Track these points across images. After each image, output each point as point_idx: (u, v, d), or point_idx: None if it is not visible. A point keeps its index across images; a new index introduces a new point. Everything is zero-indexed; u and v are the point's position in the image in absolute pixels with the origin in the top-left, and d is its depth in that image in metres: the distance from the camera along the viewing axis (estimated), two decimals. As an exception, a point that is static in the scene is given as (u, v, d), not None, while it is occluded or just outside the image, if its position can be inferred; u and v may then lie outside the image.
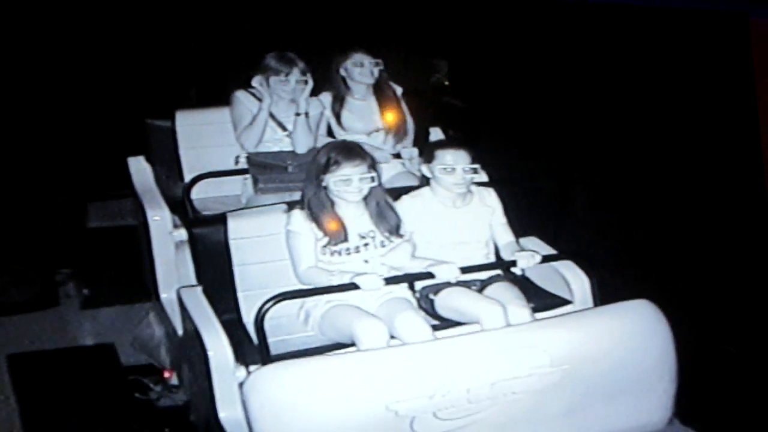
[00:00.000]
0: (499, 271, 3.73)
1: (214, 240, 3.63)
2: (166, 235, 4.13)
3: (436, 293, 3.57)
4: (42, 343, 4.45)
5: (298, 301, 3.51)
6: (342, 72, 4.45)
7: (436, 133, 4.83)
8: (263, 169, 4.15)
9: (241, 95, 4.28)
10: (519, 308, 3.43)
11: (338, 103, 4.46)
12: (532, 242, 3.98)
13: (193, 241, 3.68)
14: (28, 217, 5.06)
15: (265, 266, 3.65)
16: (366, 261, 3.51)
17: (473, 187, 3.76)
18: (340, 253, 3.49)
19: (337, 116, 4.46)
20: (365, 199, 3.54)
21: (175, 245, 4.05)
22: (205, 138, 4.44)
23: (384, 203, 3.58)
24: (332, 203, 3.52)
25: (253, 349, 3.32)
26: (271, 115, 4.25)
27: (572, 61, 5.71)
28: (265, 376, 3.04)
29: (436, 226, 3.67)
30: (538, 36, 5.81)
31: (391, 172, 4.38)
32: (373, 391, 3.01)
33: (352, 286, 3.31)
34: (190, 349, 3.51)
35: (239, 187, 4.32)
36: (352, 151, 3.51)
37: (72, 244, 5.03)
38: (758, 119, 4.82)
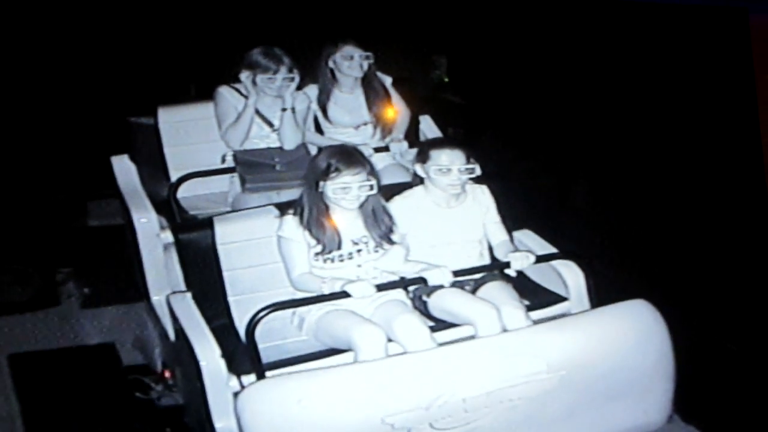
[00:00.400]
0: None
1: (201, 245, 3.53)
2: (153, 237, 4.03)
3: (429, 295, 3.50)
4: (42, 342, 4.41)
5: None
6: (330, 64, 4.34)
7: (425, 121, 4.77)
8: (250, 167, 4.05)
9: (224, 91, 4.17)
10: (513, 309, 3.38)
11: (324, 95, 4.36)
12: (526, 236, 3.91)
13: (180, 247, 3.57)
14: (28, 217, 5.04)
15: (255, 270, 3.56)
16: (359, 266, 3.43)
17: (466, 185, 3.66)
18: (333, 260, 3.41)
19: (324, 109, 4.36)
20: (361, 204, 3.45)
21: (164, 247, 3.93)
22: (190, 135, 4.33)
23: (379, 207, 3.49)
24: (327, 208, 3.43)
25: (246, 357, 3.23)
26: (257, 112, 4.14)
27: (571, 57, 5.70)
28: (258, 391, 2.99)
29: (430, 226, 3.59)
30: (537, 32, 5.80)
31: (379, 165, 4.18)
32: (369, 405, 2.96)
33: (344, 295, 3.23)
34: (183, 357, 3.43)
35: (227, 184, 4.21)
36: (352, 158, 3.41)
37: (72, 243, 4.99)
38: (758, 115, 4.81)
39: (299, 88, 4.21)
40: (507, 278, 3.63)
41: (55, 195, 5.21)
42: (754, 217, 4.69)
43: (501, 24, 5.88)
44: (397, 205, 3.59)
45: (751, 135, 4.80)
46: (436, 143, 3.75)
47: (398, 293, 3.50)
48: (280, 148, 4.14)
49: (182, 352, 3.42)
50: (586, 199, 5.54)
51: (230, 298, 3.55)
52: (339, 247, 3.41)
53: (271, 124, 4.17)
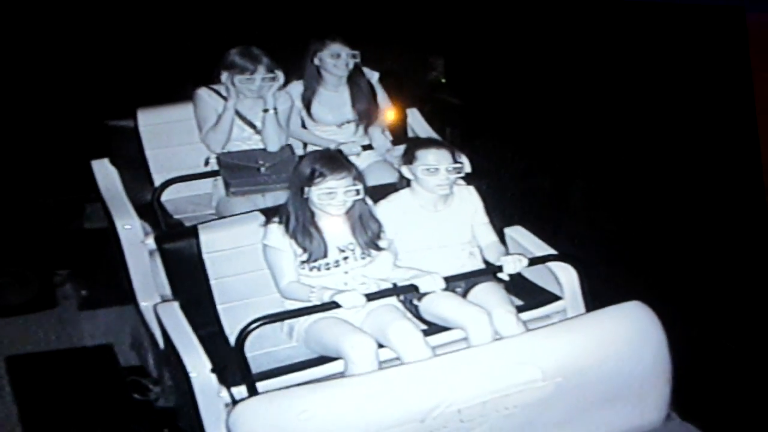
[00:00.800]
0: None
1: (186, 254, 3.45)
2: (138, 244, 3.94)
3: (419, 299, 3.41)
4: (40, 344, 4.36)
5: (280, 313, 3.34)
6: (316, 61, 4.23)
7: (413, 114, 4.68)
8: (234, 170, 3.95)
9: (203, 93, 4.06)
10: (505, 313, 3.32)
11: (309, 92, 4.25)
12: (518, 232, 3.84)
13: (165, 257, 3.49)
14: (25, 219, 5.01)
15: (243, 277, 3.49)
16: (346, 272, 3.35)
17: (454, 186, 3.55)
18: (319, 269, 3.33)
19: (307, 107, 4.26)
20: (347, 210, 3.36)
21: (149, 253, 3.86)
22: (172, 137, 4.23)
23: (366, 213, 3.40)
24: (312, 215, 3.34)
25: (237, 366, 3.15)
26: (238, 113, 4.03)
27: (567, 57, 5.69)
28: (249, 409, 2.93)
29: (418, 231, 3.50)
30: (534, 31, 5.79)
31: (365, 163, 4.19)
32: (363, 420, 2.90)
33: (333, 305, 3.15)
34: (173, 365, 3.35)
35: (210, 186, 4.12)
36: (337, 162, 3.32)
37: (69, 245, 4.94)
38: (755, 115, 4.80)
39: (284, 85, 4.12)
40: (498, 279, 3.55)
41: (52, 197, 5.20)
42: (751, 215, 4.68)
43: (498, 24, 5.87)
44: (383, 210, 3.50)
45: (748, 133, 4.80)
46: (421, 143, 3.65)
47: (389, 298, 3.41)
48: (264, 149, 4.04)
49: (172, 360, 3.34)
50: (582, 198, 5.52)
51: (219, 306, 3.48)
52: (325, 255, 3.33)
53: (253, 126, 4.07)
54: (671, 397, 3.30)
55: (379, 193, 3.61)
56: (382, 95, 4.40)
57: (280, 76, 4.02)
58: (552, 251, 3.71)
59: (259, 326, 3.09)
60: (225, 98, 4.01)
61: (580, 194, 5.54)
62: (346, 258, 3.36)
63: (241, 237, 3.49)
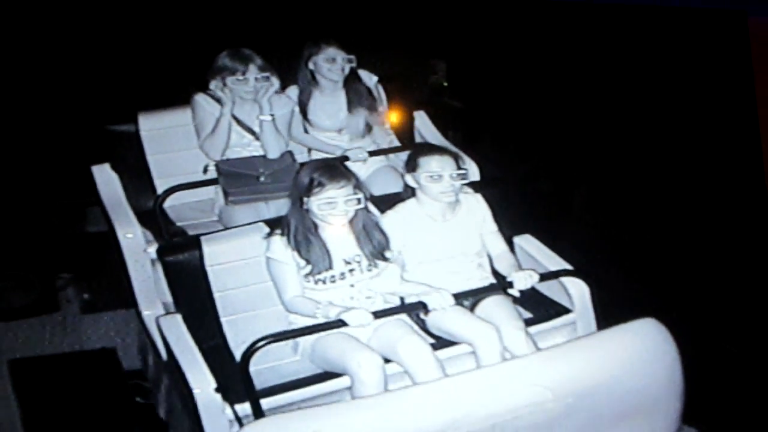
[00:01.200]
0: (492, 280, 3.50)
1: (189, 267, 3.37)
2: (139, 252, 3.86)
3: (426, 313, 3.31)
4: (43, 347, 4.33)
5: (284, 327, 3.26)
6: (311, 66, 4.13)
7: (420, 118, 4.60)
8: (233, 178, 3.85)
9: (200, 99, 3.95)
10: (513, 330, 3.24)
11: (305, 97, 4.15)
12: (527, 241, 3.77)
13: (167, 269, 3.41)
14: (27, 222, 4.97)
15: (247, 290, 3.41)
16: (352, 285, 3.26)
17: (460, 195, 3.48)
18: (324, 282, 3.23)
19: (304, 112, 4.16)
20: (350, 220, 3.27)
21: (151, 261, 3.79)
22: (174, 142, 4.13)
23: (370, 223, 3.31)
24: (315, 226, 3.24)
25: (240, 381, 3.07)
26: (236, 119, 3.93)
27: (570, 61, 5.68)
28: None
29: (425, 241, 3.40)
30: (536, 35, 5.78)
31: (371, 168, 4.13)
32: None
33: (339, 324, 3.06)
34: (176, 380, 3.28)
35: (212, 191, 4.02)
36: (335, 171, 3.22)
37: (72, 249, 4.91)
38: (757, 118, 4.80)
39: (282, 88, 4.04)
40: (498, 293, 3.45)
41: (55, 201, 5.18)
42: (753, 219, 4.68)
43: (500, 28, 5.86)
44: (390, 220, 3.40)
45: (751, 137, 4.80)
46: (424, 149, 3.53)
47: (396, 311, 3.31)
48: (264, 156, 3.94)
49: (175, 375, 3.27)
50: (586, 203, 5.52)
51: (223, 319, 3.40)
52: (330, 267, 3.23)
53: (252, 132, 3.97)
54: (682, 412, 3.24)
55: (385, 202, 3.53)
56: (381, 99, 4.30)
57: (275, 80, 3.92)
58: (562, 261, 3.63)
59: (264, 345, 3.01)
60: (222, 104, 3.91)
61: (585, 200, 5.53)
62: (352, 270, 3.27)
63: (244, 249, 3.40)
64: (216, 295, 3.38)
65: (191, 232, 3.84)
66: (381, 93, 4.33)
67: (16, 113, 5.29)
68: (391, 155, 4.29)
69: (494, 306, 3.36)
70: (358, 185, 3.26)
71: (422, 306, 3.20)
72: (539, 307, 3.59)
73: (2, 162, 5.08)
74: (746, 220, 4.74)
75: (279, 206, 3.72)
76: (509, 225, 3.68)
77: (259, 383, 3.08)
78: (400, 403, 2.91)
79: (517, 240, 3.77)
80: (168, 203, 3.88)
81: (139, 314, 3.94)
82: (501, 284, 3.39)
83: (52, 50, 5.46)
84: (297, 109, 4.16)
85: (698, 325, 4.20)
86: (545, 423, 2.96)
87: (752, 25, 4.86)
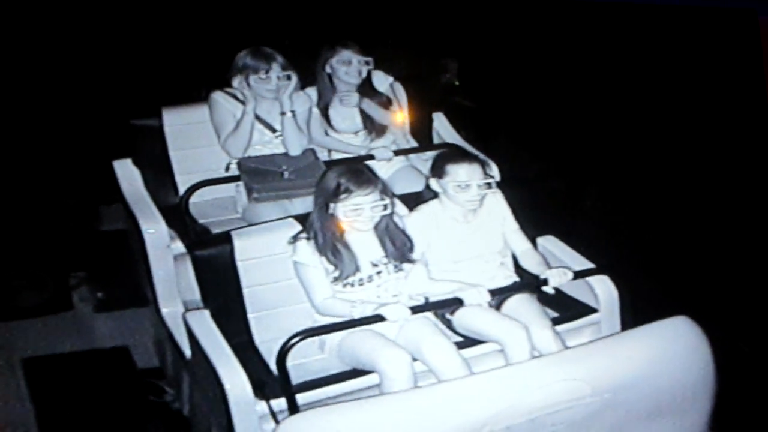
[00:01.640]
0: (516, 278, 3.48)
1: (219, 262, 3.33)
2: (163, 248, 3.83)
3: (452, 313, 3.30)
4: (56, 346, 4.32)
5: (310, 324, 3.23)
6: (327, 69, 4.12)
7: (439, 119, 4.58)
8: (256, 175, 3.81)
9: (219, 97, 3.92)
10: (542, 330, 3.22)
11: (323, 100, 4.14)
12: (550, 242, 3.74)
13: (197, 264, 3.36)
14: (40, 221, 4.95)
15: (275, 286, 3.37)
16: (379, 286, 3.23)
17: None
18: (353, 285, 3.20)
19: (325, 115, 4.15)
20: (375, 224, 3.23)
21: (174, 258, 3.77)
22: (198, 137, 4.08)
23: (393, 227, 3.27)
24: (341, 230, 3.20)
25: (269, 378, 3.09)
26: (257, 117, 3.90)
27: (582, 60, 5.69)
28: (295, 426, 2.80)
29: (449, 242, 3.38)
30: (548, 35, 5.79)
31: (392, 169, 4.12)
32: None
33: (378, 318, 3.03)
34: (203, 378, 3.24)
35: (233, 189, 3.99)
36: (363, 177, 3.17)
37: (85, 247, 4.91)
38: (768, 117, 4.81)
39: (302, 87, 4.01)
40: (532, 290, 3.44)
41: (68, 199, 5.18)
42: (765, 217, 4.69)
43: (513, 27, 5.86)
44: (413, 221, 3.37)
45: (762, 135, 4.80)
46: (452, 157, 3.46)
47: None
48: (286, 154, 3.91)
49: (200, 371, 3.24)
50: (600, 202, 5.52)
51: (250, 315, 3.37)
52: (358, 270, 3.21)
53: (273, 129, 3.95)
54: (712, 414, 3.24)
55: (407, 202, 3.50)
56: (396, 101, 4.28)
57: (294, 77, 3.89)
58: (586, 262, 3.60)
59: (301, 340, 2.99)
60: (242, 102, 3.88)
61: (599, 199, 5.54)
62: (379, 272, 3.24)
63: (274, 244, 3.35)
64: (245, 291, 3.35)
65: (215, 230, 3.80)
66: (400, 92, 4.32)
67: (30, 112, 5.29)
68: (411, 155, 4.27)
69: (521, 305, 3.34)
70: (384, 190, 3.21)
71: (459, 302, 3.17)
72: (564, 307, 3.56)
73: (16, 160, 5.08)
74: (759, 219, 4.73)
75: (305, 203, 3.68)
76: (530, 225, 3.65)
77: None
78: (442, 398, 2.88)
79: (541, 241, 3.73)
80: (190, 200, 3.81)
81: (158, 311, 3.90)
82: (537, 282, 3.35)
83: (74, 47, 5.45)
84: (315, 110, 4.15)
85: (711, 323, 4.19)
86: (582, 418, 2.95)
87: (763, 24, 4.86)
